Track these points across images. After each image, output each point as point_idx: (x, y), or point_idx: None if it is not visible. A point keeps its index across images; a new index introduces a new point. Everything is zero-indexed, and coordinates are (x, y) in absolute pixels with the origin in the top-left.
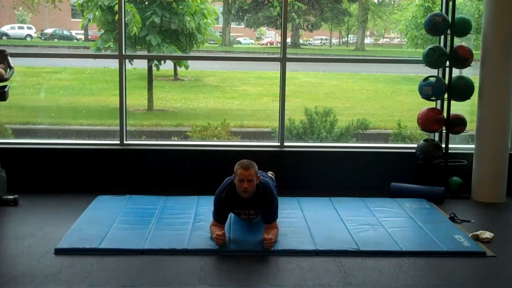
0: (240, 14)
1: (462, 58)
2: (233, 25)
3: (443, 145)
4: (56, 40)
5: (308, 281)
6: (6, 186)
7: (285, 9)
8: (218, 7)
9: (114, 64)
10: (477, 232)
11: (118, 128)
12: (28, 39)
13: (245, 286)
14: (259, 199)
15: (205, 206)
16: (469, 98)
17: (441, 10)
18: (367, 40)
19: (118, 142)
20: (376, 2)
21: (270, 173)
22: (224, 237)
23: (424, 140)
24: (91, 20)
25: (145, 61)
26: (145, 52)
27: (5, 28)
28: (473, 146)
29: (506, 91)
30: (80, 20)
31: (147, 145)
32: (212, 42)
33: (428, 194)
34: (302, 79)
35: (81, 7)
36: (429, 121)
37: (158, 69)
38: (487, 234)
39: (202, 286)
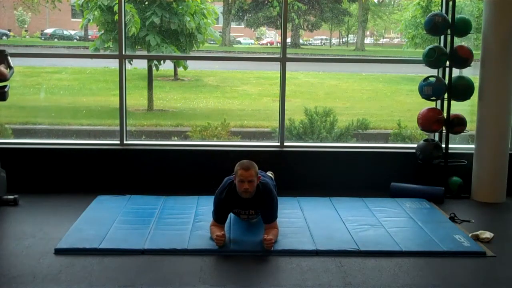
0: (240, 14)
1: (462, 58)
2: (233, 25)
3: (443, 145)
4: (56, 40)
5: (308, 281)
6: (6, 186)
7: (285, 9)
8: (218, 7)
9: (114, 64)
10: (477, 232)
11: (118, 128)
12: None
13: (245, 286)
14: (259, 199)
15: (205, 206)
16: (469, 98)
17: (441, 10)
18: (367, 40)
19: (118, 142)
20: (376, 2)
21: (270, 173)
22: (224, 237)
23: (424, 140)
24: (91, 21)
25: (145, 61)
26: (145, 52)
27: None
28: (473, 146)
29: (506, 91)
30: (80, 20)
31: (147, 145)
32: (212, 42)
33: (428, 194)
34: (302, 79)
35: (81, 8)
36: (429, 121)
37: (157, 69)
38: (487, 234)
39: (202, 286)
